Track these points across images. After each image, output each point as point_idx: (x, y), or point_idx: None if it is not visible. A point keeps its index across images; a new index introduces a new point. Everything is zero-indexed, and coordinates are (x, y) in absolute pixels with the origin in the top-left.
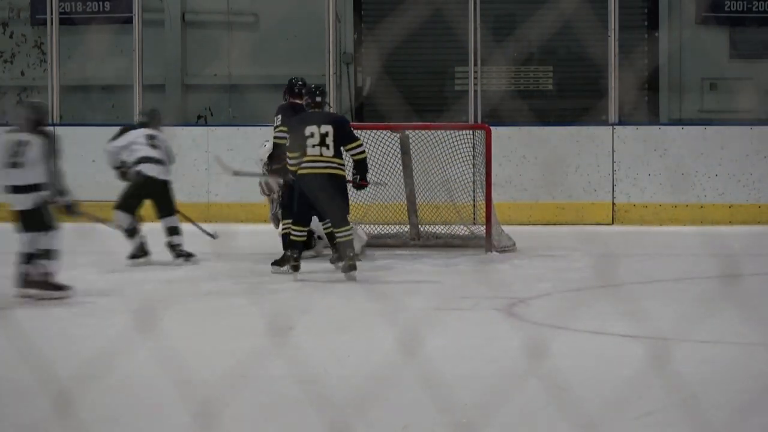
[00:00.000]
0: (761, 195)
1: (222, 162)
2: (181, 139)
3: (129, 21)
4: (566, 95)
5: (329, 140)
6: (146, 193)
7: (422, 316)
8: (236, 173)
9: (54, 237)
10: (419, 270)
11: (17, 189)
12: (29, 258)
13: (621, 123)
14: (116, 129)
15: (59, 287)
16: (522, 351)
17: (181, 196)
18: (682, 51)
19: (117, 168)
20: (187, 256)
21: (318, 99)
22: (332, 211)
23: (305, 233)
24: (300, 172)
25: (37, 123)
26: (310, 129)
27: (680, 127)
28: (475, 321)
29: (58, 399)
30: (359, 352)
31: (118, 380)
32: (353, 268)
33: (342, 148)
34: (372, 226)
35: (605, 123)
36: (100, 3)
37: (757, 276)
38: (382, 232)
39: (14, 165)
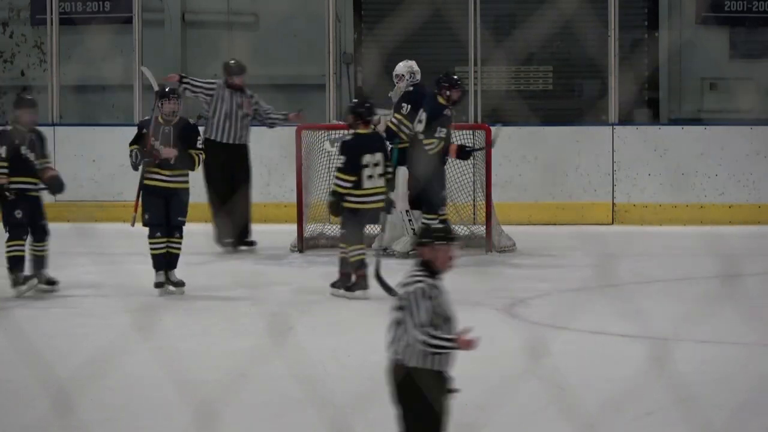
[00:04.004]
0: (761, 195)
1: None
2: None
3: (129, 21)
4: (566, 95)
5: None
6: None
7: None
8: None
9: None
10: None
11: None
12: None
13: (621, 123)
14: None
15: None
16: (522, 351)
17: None
18: (682, 51)
19: None
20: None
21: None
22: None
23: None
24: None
25: None
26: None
27: (680, 127)
28: (475, 321)
29: (58, 399)
30: (359, 352)
31: (118, 380)
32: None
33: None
34: (371, 226)
35: (605, 123)
36: (100, 3)
37: (757, 276)
38: None
39: None
